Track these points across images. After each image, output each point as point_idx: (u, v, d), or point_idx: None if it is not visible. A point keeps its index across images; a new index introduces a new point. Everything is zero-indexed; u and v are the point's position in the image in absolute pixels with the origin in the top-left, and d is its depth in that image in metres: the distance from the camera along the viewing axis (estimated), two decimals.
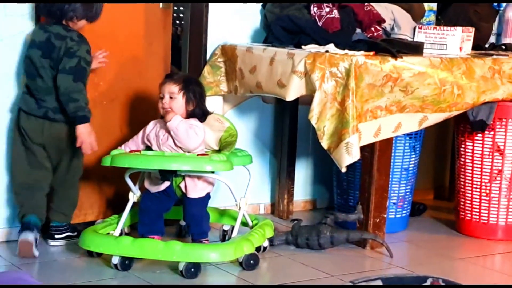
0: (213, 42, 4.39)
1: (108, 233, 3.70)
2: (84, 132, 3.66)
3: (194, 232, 3.78)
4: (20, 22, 3.84)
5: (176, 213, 3.93)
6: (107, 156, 3.63)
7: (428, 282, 1.84)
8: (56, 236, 3.90)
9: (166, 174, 3.60)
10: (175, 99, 3.69)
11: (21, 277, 2.39)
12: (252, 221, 3.95)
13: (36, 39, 3.73)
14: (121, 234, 3.72)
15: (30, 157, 3.78)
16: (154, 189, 3.72)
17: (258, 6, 4.50)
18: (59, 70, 3.67)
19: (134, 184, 3.76)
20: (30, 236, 3.66)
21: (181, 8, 7.38)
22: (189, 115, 3.71)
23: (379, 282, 1.85)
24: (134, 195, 3.75)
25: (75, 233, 3.90)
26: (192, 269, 3.48)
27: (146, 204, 3.73)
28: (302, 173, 4.80)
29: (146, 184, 3.75)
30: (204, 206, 3.78)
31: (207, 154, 3.65)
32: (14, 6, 3.81)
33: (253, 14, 4.50)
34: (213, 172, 3.67)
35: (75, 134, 3.68)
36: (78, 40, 3.71)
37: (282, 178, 4.63)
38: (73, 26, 3.76)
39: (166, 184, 3.68)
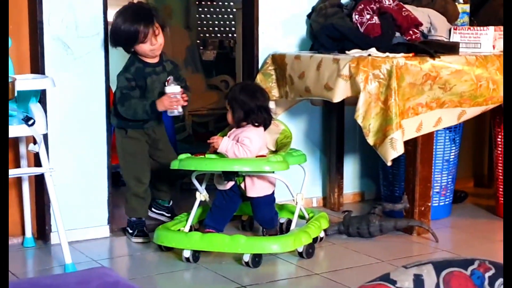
0: (263, 52, 4.45)
1: (179, 230, 3.80)
2: (162, 105, 3.83)
3: (264, 228, 3.91)
4: (91, 43, 3.96)
5: (239, 209, 3.99)
6: (175, 160, 3.75)
7: (475, 265, 1.89)
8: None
9: (229, 175, 3.70)
10: (227, 112, 3.78)
11: (107, 273, 2.43)
12: (308, 214, 4.01)
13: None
14: (190, 230, 3.81)
15: None
16: (222, 187, 3.79)
17: (304, 16, 4.56)
18: None
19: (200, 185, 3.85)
20: None
21: (233, 22, 7.52)
22: (237, 122, 3.75)
23: (430, 266, 1.89)
24: (200, 195, 3.84)
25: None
26: (256, 259, 3.59)
27: (221, 202, 3.80)
28: (350, 168, 4.85)
29: (216, 183, 3.81)
30: (268, 205, 3.83)
31: (265, 156, 3.73)
32: (86, 27, 3.94)
33: (299, 25, 4.57)
34: (272, 172, 3.74)
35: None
36: (122, 71, 3.92)
37: (332, 174, 4.68)
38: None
39: (232, 183, 3.76)
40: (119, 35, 3.87)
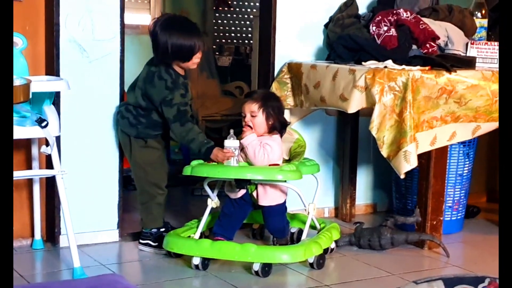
0: (280, 60, 4.45)
1: (189, 236, 3.79)
2: (215, 155, 3.70)
3: (275, 237, 3.90)
4: (107, 46, 3.97)
5: (250, 217, 4.00)
6: (187, 166, 3.74)
7: (486, 282, 1.88)
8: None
9: (241, 183, 3.69)
10: (256, 116, 3.74)
11: (117, 280, 2.43)
12: (320, 225, 4.00)
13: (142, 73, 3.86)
14: (200, 237, 3.79)
15: None
16: (233, 195, 3.79)
17: (321, 26, 4.56)
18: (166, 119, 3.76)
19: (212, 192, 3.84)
20: None
21: (250, 29, 7.52)
22: (270, 128, 3.76)
23: (440, 282, 1.89)
24: (212, 202, 3.84)
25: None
26: (266, 268, 3.58)
27: (229, 209, 3.80)
28: (363, 179, 4.84)
29: (227, 191, 3.82)
30: (280, 214, 3.83)
31: (278, 164, 3.72)
32: (101, 30, 3.94)
33: (316, 34, 4.57)
34: (285, 181, 3.73)
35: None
36: (172, 87, 3.75)
37: (344, 184, 4.67)
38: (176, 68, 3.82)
39: (243, 191, 3.76)
40: (179, 48, 3.74)
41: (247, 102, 3.78)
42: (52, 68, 3.85)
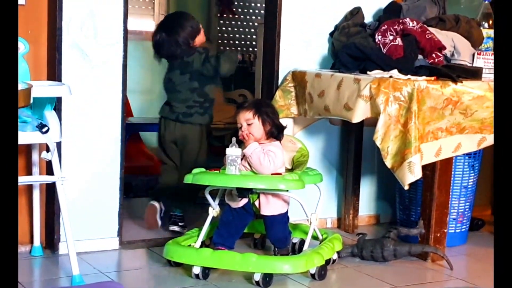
0: (284, 68, 4.44)
1: (190, 245, 3.77)
2: None
3: (276, 247, 3.87)
4: (109, 51, 3.95)
5: (251, 227, 3.99)
6: (189, 174, 3.72)
7: None
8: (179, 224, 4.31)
9: (243, 192, 3.67)
10: (252, 124, 3.74)
11: (115, 287, 2.43)
12: (322, 235, 3.98)
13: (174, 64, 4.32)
14: (201, 246, 3.77)
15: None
16: (234, 204, 3.77)
17: (326, 34, 4.55)
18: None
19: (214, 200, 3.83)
20: (155, 203, 4.23)
21: (254, 37, 7.52)
22: (268, 134, 3.75)
23: None
24: (213, 210, 3.82)
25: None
26: (267, 279, 3.55)
27: (228, 218, 3.79)
28: (367, 189, 4.82)
29: (227, 200, 3.80)
30: (282, 224, 3.81)
31: (281, 173, 3.70)
32: (104, 35, 3.92)
33: (321, 42, 4.56)
34: (287, 190, 3.71)
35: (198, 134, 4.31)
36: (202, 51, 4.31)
37: (348, 195, 4.65)
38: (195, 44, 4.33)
39: (245, 201, 3.75)
40: (192, 28, 4.34)
41: (241, 112, 3.77)
42: (54, 73, 3.84)
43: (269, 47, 4.48)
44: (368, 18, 4.61)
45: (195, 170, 3.72)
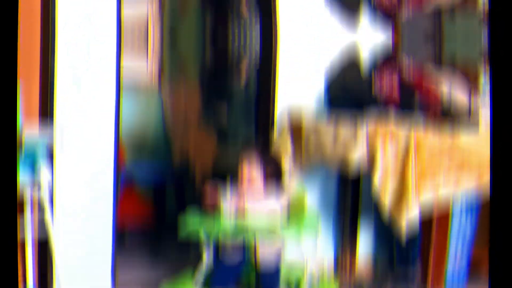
0: (281, 109, 4.43)
1: None
2: None
3: None
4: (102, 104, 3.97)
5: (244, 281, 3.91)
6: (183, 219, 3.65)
7: None
8: None
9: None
10: (254, 179, 3.69)
11: None
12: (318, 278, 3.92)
13: None
14: None
15: None
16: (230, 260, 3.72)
17: (322, 71, 4.55)
18: None
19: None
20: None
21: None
22: (268, 179, 3.71)
23: None
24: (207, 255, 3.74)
25: None
26: None
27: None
28: (365, 231, 4.78)
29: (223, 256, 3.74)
30: (274, 275, 3.74)
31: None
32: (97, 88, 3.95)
33: (317, 79, 4.55)
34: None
35: None
36: None
37: (345, 237, 4.64)
38: None
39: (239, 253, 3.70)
40: None
41: (242, 165, 3.71)
42: (46, 112, 3.82)
43: (265, 92, 4.49)
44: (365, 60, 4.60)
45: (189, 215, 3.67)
